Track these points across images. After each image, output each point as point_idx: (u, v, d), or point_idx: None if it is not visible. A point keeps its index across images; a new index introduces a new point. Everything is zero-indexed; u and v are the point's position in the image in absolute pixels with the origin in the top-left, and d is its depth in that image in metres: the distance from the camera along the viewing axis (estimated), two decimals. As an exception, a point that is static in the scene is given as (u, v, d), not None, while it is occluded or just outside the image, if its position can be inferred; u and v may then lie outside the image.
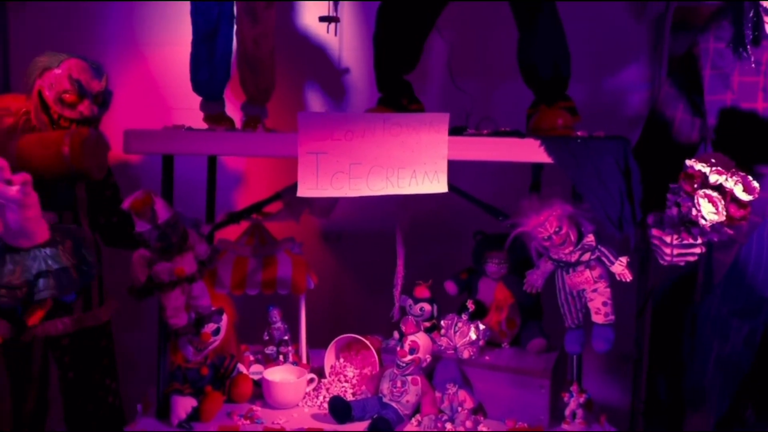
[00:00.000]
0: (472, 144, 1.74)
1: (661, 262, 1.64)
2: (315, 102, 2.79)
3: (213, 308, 1.86)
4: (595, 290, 1.74)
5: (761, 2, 1.57)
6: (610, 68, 2.71)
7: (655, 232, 1.60)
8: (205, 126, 1.93)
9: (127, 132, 1.73)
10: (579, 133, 1.82)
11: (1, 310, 1.64)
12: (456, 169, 1.75)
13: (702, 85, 1.73)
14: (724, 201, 1.42)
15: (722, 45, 1.69)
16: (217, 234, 2.13)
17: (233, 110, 2.03)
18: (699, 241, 1.54)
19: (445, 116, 1.71)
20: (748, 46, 1.61)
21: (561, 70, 1.89)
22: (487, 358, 1.96)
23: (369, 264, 2.50)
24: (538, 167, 2.11)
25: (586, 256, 1.73)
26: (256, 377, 2.01)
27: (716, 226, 1.46)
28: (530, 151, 1.69)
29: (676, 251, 1.58)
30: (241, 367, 2.03)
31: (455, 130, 1.80)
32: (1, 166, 1.34)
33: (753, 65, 1.62)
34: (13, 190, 1.36)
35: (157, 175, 1.84)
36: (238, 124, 2.02)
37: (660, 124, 1.84)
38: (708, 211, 1.43)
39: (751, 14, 1.60)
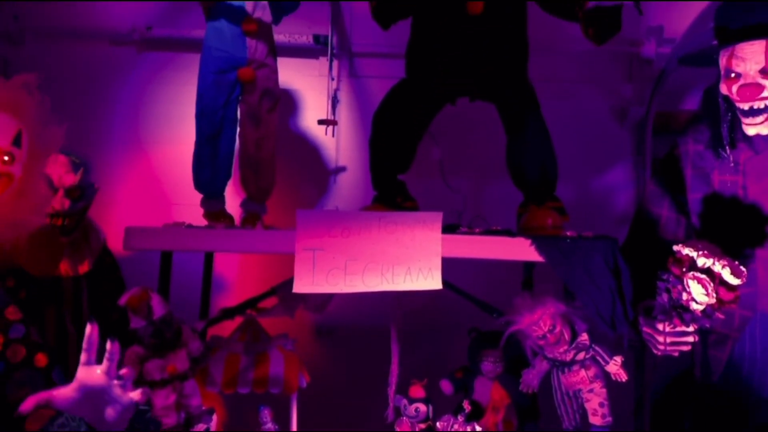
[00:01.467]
0: (465, 242, 1.79)
1: (655, 352, 1.64)
2: (313, 199, 2.87)
3: (204, 408, 1.82)
4: (591, 390, 1.72)
5: (738, 105, 1.65)
6: (597, 170, 2.83)
7: (646, 321, 1.61)
8: (205, 222, 1.98)
9: (127, 229, 1.77)
10: (568, 233, 1.87)
11: None
12: (450, 266, 1.78)
13: (684, 184, 1.80)
14: (714, 284, 1.44)
15: (701, 147, 1.78)
16: (211, 330, 2.12)
17: (233, 206, 2.09)
18: (691, 328, 1.54)
19: (439, 215, 1.77)
20: (727, 147, 1.70)
21: (548, 172, 1.97)
22: (484, 461, 1.90)
23: (363, 361, 2.47)
24: (530, 265, 2.15)
25: (581, 355, 1.73)
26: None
27: (707, 311, 1.47)
28: (521, 250, 1.73)
29: (669, 340, 1.57)
30: (230, 471, 1.95)
31: (448, 228, 1.85)
32: (126, 376, 1.34)
33: (732, 164, 1.70)
34: (136, 394, 1.35)
35: (152, 268, 1.86)
36: (237, 220, 2.07)
37: (646, 223, 1.90)
38: (698, 292, 1.45)
39: (728, 117, 1.69)
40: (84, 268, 1.89)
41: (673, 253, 1.51)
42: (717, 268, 1.43)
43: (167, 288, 1.84)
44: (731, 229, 1.71)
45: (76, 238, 1.96)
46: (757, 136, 1.66)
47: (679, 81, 2.78)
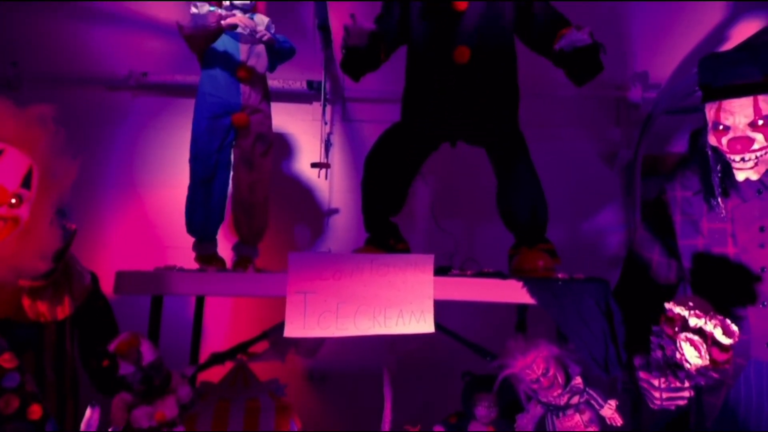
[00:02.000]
0: (457, 285, 1.79)
1: (651, 406, 1.62)
2: (306, 241, 2.87)
3: (192, 456, 1.78)
4: (586, 435, 1.69)
5: (729, 156, 1.63)
6: (587, 212, 2.86)
7: (642, 375, 1.60)
8: (197, 266, 1.97)
9: (118, 273, 1.76)
10: (560, 275, 1.88)
11: None
12: (442, 308, 1.78)
13: (674, 229, 1.81)
14: (706, 345, 1.44)
15: (689, 193, 1.79)
16: (201, 375, 2.09)
17: (225, 250, 2.09)
18: (686, 384, 1.53)
19: (430, 257, 1.77)
20: (718, 198, 1.70)
21: (539, 215, 1.99)
22: None
23: (355, 406, 2.43)
24: (523, 307, 2.14)
25: (575, 399, 1.70)
26: None
27: (702, 370, 1.47)
28: (513, 293, 1.73)
29: (665, 395, 1.56)
30: None
31: (440, 270, 1.85)
32: None
33: (723, 213, 1.70)
34: None
35: (141, 311, 1.84)
36: (229, 263, 2.07)
37: (638, 267, 1.90)
38: (691, 355, 1.45)
39: (718, 167, 1.69)
40: (65, 312, 1.84)
41: (664, 309, 1.51)
42: (709, 327, 1.43)
43: (157, 332, 1.82)
44: (722, 278, 1.72)
45: (57, 280, 1.91)
46: (745, 182, 1.67)
47: (666, 124, 2.85)
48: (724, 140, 1.62)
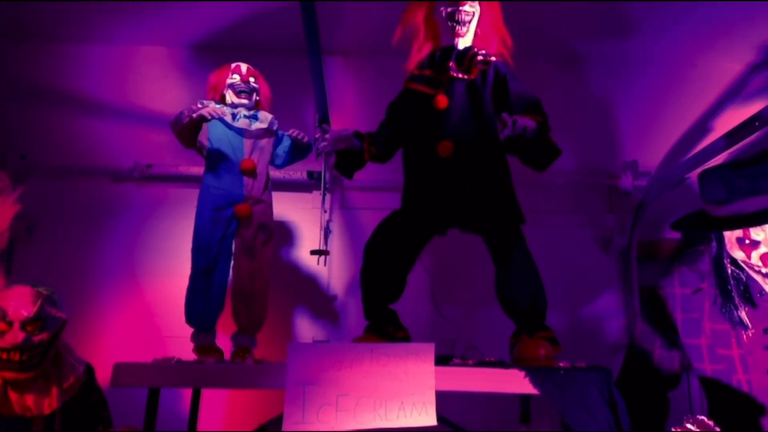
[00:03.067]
0: (459, 375, 1.76)
1: None
2: (304, 328, 2.85)
3: None
4: None
5: (761, 269, 1.62)
6: (586, 298, 2.86)
7: None
8: (195, 356, 1.95)
9: (116, 366, 1.74)
10: (561, 364, 1.86)
11: None
12: (444, 398, 1.74)
13: (675, 325, 1.80)
14: None
15: (688, 291, 1.79)
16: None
17: (223, 339, 2.07)
18: None
19: (431, 346, 1.75)
20: (742, 310, 1.64)
21: (537, 302, 1.99)
22: None
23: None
24: (526, 396, 2.10)
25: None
26: None
27: None
28: (516, 383, 1.71)
29: None
30: None
31: (441, 360, 1.83)
32: None
33: (749, 327, 1.64)
34: None
35: (137, 400, 1.80)
36: (227, 353, 2.04)
37: (640, 360, 1.88)
38: None
39: (741, 287, 1.65)
40: (52, 406, 1.80)
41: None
42: None
43: (153, 424, 1.78)
44: (728, 380, 1.69)
45: (46, 372, 1.86)
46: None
47: (658, 211, 2.90)
48: (755, 254, 1.63)
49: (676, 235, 2.91)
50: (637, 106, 3.16)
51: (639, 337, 1.91)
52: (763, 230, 1.61)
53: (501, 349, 2.05)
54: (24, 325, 1.80)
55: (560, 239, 2.84)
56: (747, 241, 1.64)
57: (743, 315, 1.67)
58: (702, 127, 3.13)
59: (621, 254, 2.94)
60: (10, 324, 1.78)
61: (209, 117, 2.12)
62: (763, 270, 1.64)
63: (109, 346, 2.09)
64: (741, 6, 2.74)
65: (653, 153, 3.08)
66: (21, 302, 1.81)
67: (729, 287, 1.68)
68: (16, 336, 1.78)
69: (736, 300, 1.68)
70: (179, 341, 2.14)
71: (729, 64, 3.17)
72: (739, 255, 1.67)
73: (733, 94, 3.16)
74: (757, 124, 2.26)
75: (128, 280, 2.81)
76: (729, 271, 1.69)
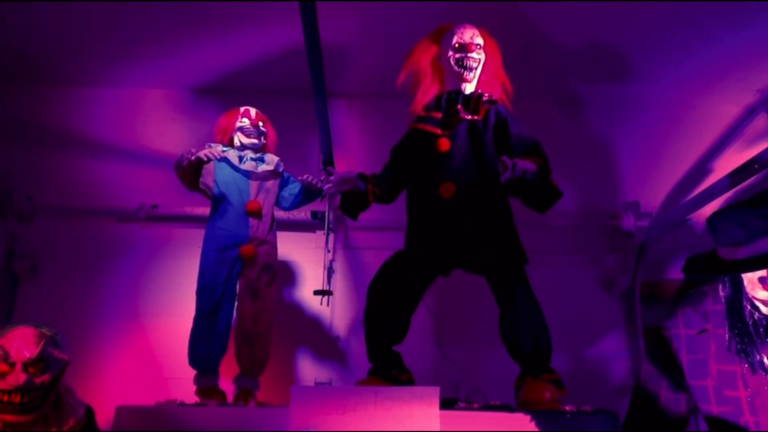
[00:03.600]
0: (464, 419, 1.75)
1: None
2: (306, 369, 2.82)
3: None
4: None
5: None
6: (590, 339, 2.83)
7: None
8: (197, 398, 1.93)
9: (118, 408, 1.73)
10: (567, 407, 1.84)
11: None
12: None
13: (680, 366, 1.78)
14: None
15: (693, 332, 1.78)
16: None
17: (226, 382, 2.05)
18: None
19: (436, 390, 1.74)
20: (761, 349, 1.59)
21: (542, 344, 1.98)
22: None
23: None
24: (533, 439, 2.07)
25: None
26: None
27: None
28: (522, 427, 1.69)
29: None
30: None
31: (446, 403, 1.82)
32: None
33: (732, 353, 1.61)
34: None
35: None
36: (229, 396, 2.03)
37: (646, 403, 1.86)
38: None
39: (761, 329, 1.60)
40: None
41: None
42: None
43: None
44: (737, 421, 1.68)
45: (45, 414, 1.82)
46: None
47: (661, 251, 2.91)
48: None
49: (678, 276, 2.90)
50: (637, 147, 3.20)
51: (645, 378, 1.89)
52: None
53: (505, 392, 2.03)
54: (26, 366, 1.78)
55: (563, 280, 2.84)
56: None
57: (765, 359, 1.65)
58: (702, 168, 3.16)
59: (624, 295, 2.93)
60: (12, 365, 1.77)
61: (206, 159, 2.16)
62: None
63: (111, 387, 2.08)
64: (737, 50, 2.81)
65: (655, 193, 3.11)
66: (24, 343, 1.79)
67: (749, 330, 1.66)
68: (18, 377, 1.76)
69: (757, 343, 1.66)
70: (182, 383, 2.12)
71: (726, 107, 3.22)
72: (762, 295, 1.65)
73: (731, 136, 3.20)
74: (756, 166, 2.28)
75: (131, 320, 2.80)
76: (747, 312, 1.68)
